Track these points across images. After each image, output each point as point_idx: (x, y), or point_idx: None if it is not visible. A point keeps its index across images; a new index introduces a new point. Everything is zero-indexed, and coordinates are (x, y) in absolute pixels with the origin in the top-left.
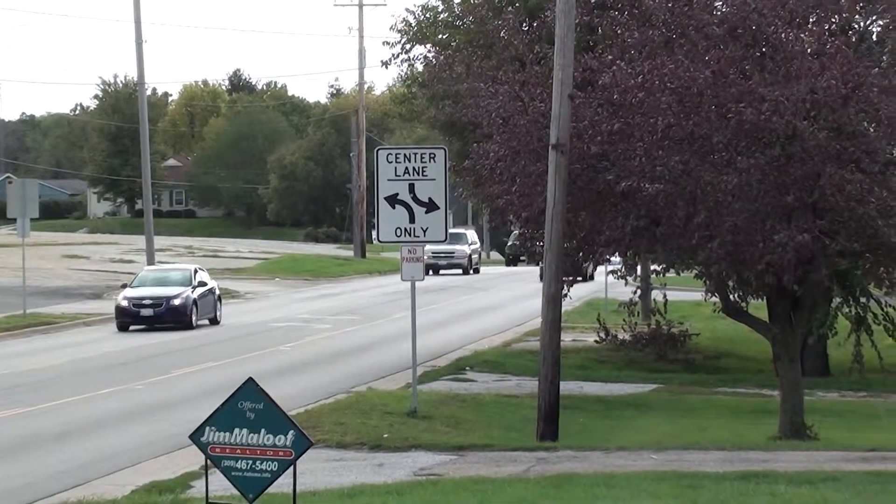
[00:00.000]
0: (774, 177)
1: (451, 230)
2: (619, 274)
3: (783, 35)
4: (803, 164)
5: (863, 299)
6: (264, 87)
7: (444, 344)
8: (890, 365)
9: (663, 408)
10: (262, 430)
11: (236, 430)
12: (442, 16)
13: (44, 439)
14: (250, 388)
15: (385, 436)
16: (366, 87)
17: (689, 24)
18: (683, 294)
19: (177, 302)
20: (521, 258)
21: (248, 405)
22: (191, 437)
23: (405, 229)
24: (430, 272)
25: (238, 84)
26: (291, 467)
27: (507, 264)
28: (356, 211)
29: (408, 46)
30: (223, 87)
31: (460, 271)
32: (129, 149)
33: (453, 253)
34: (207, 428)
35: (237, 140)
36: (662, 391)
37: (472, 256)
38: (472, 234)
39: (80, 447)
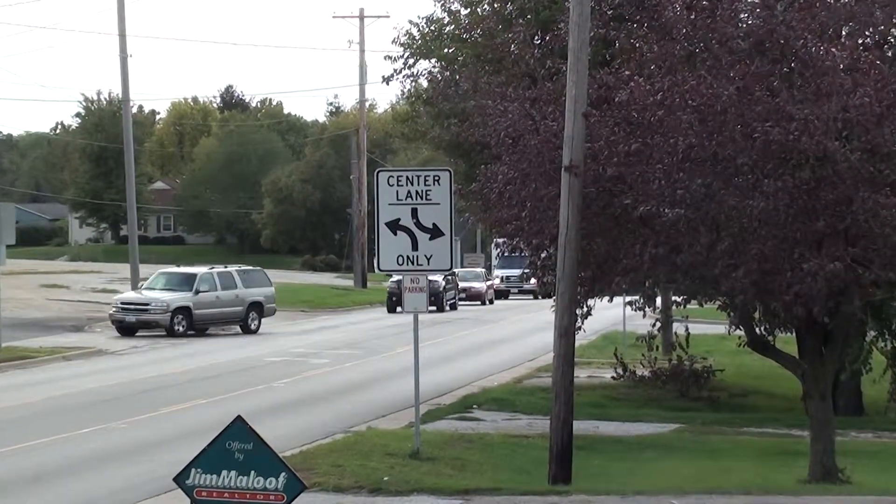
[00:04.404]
0: (803, 201)
1: (179, 270)
2: (637, 305)
3: (813, 49)
4: (834, 188)
5: None
6: (258, 105)
7: (450, 380)
8: None
9: (685, 449)
10: (252, 473)
11: (224, 473)
12: (448, 28)
13: (17, 483)
14: (239, 428)
15: (385, 479)
16: (367, 104)
17: (712, 38)
18: (706, 327)
19: None
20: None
21: (236, 445)
22: (175, 479)
23: (407, 257)
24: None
25: (230, 101)
26: None
27: (389, 310)
28: (356, 237)
29: (411, 61)
30: (214, 105)
31: (163, 332)
32: (114, 171)
33: (148, 305)
34: (193, 470)
35: (229, 161)
36: (684, 431)
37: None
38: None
39: (57, 490)
